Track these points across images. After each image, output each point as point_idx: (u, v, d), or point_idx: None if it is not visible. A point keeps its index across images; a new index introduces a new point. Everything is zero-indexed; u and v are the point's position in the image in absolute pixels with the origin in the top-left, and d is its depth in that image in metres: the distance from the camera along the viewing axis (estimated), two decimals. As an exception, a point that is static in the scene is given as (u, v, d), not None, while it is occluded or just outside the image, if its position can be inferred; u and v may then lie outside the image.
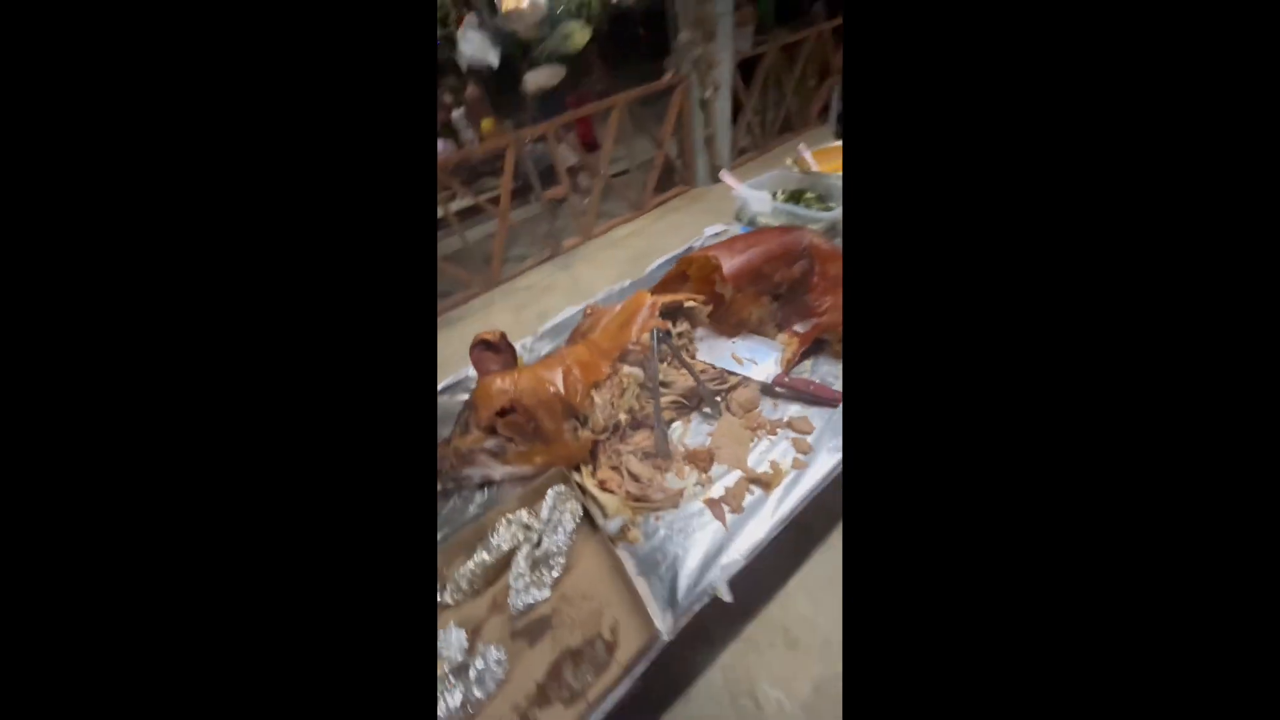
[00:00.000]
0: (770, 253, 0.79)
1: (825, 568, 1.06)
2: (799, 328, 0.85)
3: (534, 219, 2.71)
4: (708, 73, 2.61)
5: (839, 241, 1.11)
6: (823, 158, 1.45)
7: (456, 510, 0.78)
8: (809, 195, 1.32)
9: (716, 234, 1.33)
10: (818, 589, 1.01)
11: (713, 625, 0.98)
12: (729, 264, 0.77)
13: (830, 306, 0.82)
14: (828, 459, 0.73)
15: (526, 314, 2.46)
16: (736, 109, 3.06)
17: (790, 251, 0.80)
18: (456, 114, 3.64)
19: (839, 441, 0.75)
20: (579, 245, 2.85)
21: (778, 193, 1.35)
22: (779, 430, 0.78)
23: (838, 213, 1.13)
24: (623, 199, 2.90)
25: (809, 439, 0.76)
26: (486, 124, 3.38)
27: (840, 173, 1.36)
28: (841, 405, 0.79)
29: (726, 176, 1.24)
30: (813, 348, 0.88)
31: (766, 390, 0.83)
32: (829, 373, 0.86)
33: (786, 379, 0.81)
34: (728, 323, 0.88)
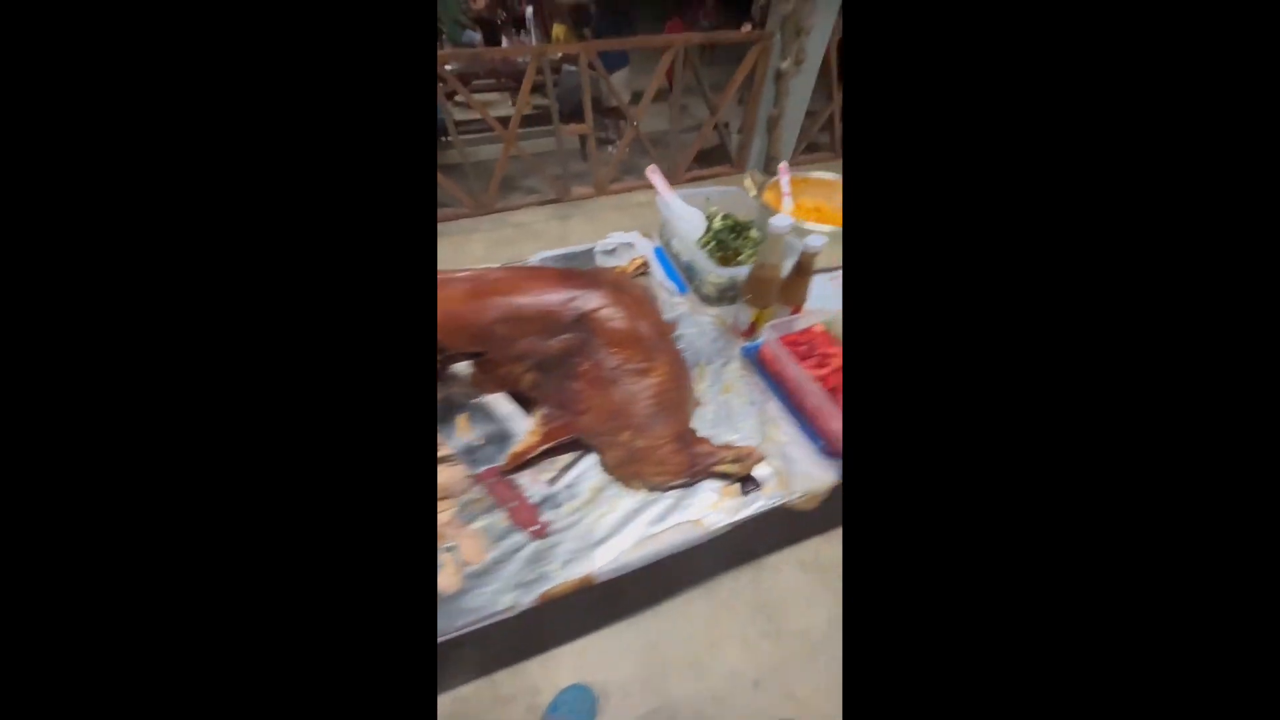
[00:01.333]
0: (512, 312, 0.55)
1: (615, 641, 1.08)
2: (557, 418, 0.63)
3: (555, 154, 2.44)
4: (794, 39, 2.12)
5: (681, 328, 0.83)
6: (800, 189, 1.10)
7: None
8: (754, 234, 1.01)
9: (624, 245, 1.06)
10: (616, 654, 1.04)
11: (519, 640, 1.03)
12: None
13: (589, 409, 0.58)
14: (469, 603, 0.54)
15: (501, 252, 2.30)
16: (827, 96, 2.54)
17: (550, 317, 0.56)
18: (530, 10, 3.31)
19: (490, 591, 0.55)
20: (589, 198, 2.58)
21: (717, 218, 1.04)
22: (448, 539, 0.59)
23: (742, 273, 0.82)
24: (656, 161, 2.56)
25: (467, 570, 0.56)
26: (559, 29, 3.05)
27: (799, 218, 1.03)
28: (543, 538, 0.58)
29: (653, 174, 0.96)
30: (575, 446, 0.66)
31: (480, 479, 0.63)
32: (586, 485, 0.64)
33: (494, 478, 0.61)
34: (491, 376, 0.67)
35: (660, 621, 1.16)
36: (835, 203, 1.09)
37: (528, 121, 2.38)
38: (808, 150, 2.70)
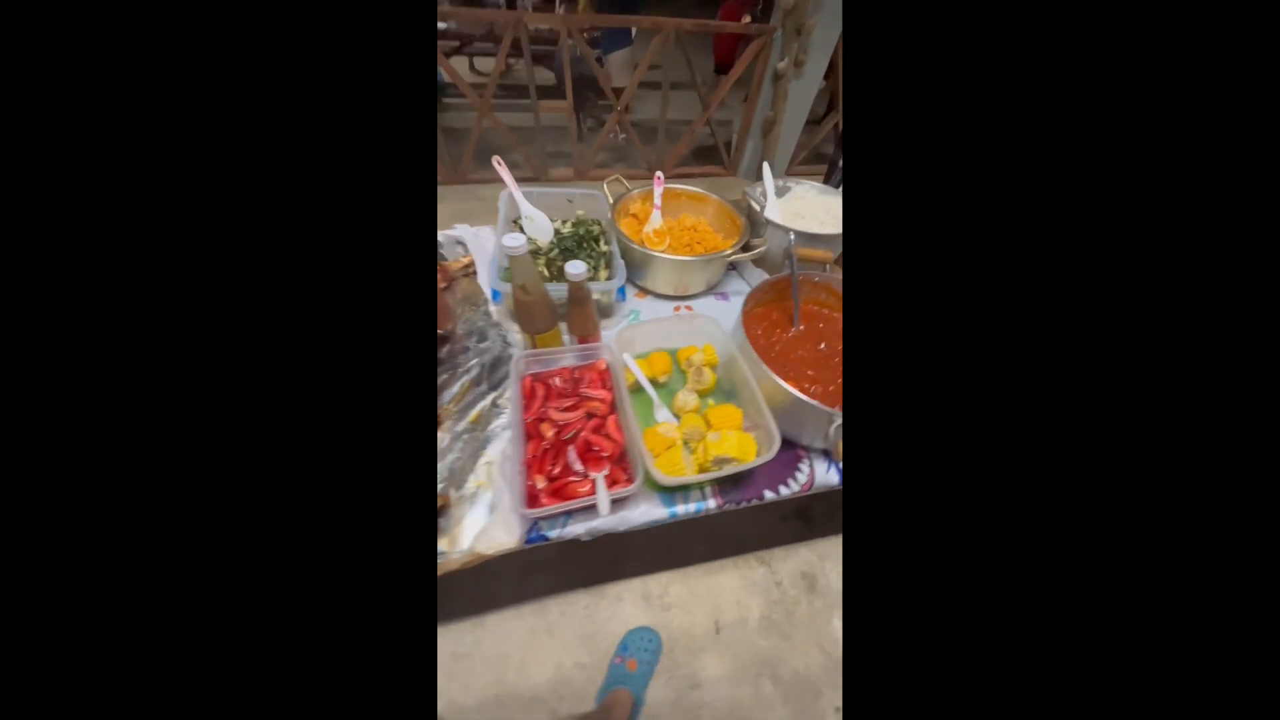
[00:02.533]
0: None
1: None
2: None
3: (550, 131, 2.35)
4: (794, 39, 1.94)
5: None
6: (678, 203, 0.98)
7: None
8: (604, 246, 0.91)
9: (459, 240, 0.99)
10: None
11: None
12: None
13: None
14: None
15: (453, 225, 2.26)
16: (831, 103, 2.34)
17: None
18: (555, -23, 3.19)
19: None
20: (567, 180, 2.49)
21: (568, 222, 0.95)
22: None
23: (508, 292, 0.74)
24: (645, 152, 2.42)
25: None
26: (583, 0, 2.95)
27: (649, 247, 0.93)
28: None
29: (499, 165, 0.87)
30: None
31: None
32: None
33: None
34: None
35: (480, 633, 1.12)
36: (714, 222, 0.98)
37: (519, 94, 2.29)
38: (809, 161, 2.50)
